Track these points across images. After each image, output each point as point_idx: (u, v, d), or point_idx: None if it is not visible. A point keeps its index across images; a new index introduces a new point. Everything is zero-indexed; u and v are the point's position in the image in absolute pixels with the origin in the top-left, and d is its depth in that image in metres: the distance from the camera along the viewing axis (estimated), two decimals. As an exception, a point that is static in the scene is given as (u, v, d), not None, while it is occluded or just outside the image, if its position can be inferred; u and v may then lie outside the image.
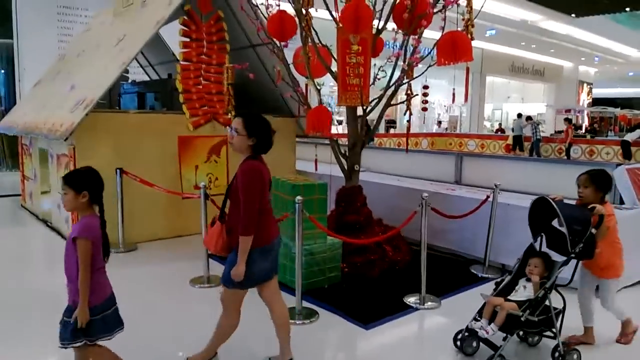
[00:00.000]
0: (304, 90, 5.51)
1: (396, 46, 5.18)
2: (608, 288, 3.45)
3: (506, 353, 3.16)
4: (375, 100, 5.09)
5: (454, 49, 4.18)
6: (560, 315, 3.20)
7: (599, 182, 3.29)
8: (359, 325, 3.80)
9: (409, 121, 5.61)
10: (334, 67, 5.10)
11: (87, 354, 2.57)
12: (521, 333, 3.45)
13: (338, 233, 4.60)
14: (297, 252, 3.89)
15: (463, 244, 5.48)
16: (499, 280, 3.45)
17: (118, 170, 5.63)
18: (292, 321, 3.78)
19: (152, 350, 3.39)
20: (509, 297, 3.25)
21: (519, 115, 18.32)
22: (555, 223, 3.29)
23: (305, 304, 4.07)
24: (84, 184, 2.53)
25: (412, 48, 4.85)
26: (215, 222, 2.97)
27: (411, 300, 4.26)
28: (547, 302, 3.13)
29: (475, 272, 5.09)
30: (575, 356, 3.20)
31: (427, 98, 5.15)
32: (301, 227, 3.86)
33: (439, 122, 24.54)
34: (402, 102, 5.19)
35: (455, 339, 3.39)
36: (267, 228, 2.89)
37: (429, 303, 4.22)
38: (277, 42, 5.28)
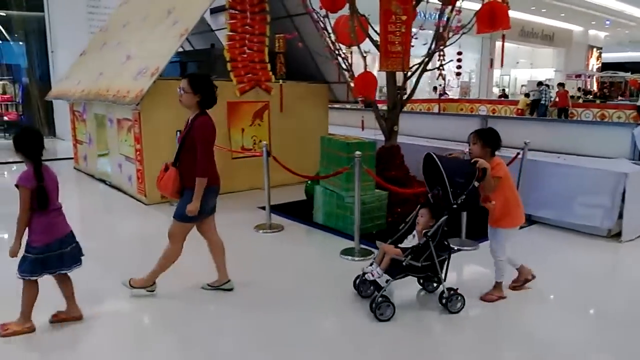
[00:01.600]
0: (342, 58, 6.00)
1: (430, 16, 5.65)
2: (498, 237, 3.55)
3: (403, 298, 3.61)
4: (416, 66, 5.59)
5: (492, 18, 4.67)
6: (445, 263, 3.43)
7: (485, 137, 3.40)
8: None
9: (441, 86, 6.13)
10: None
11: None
12: (421, 281, 3.75)
13: (380, 187, 5.21)
14: (356, 201, 4.49)
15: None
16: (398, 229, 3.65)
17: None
18: (352, 258, 4.45)
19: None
20: (399, 245, 3.49)
21: (540, 84, 18.53)
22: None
23: (361, 245, 4.71)
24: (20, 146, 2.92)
25: (449, 18, 5.32)
26: (168, 168, 3.48)
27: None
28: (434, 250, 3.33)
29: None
30: (459, 300, 3.42)
31: (460, 64, 5.67)
32: (359, 179, 4.45)
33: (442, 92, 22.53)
34: (437, 68, 5.71)
35: (354, 283, 3.68)
36: (215, 172, 3.49)
37: (467, 247, 4.84)
38: (323, 12, 5.75)
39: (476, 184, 3.22)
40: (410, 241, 3.46)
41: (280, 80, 6.50)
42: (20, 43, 13.93)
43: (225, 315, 3.49)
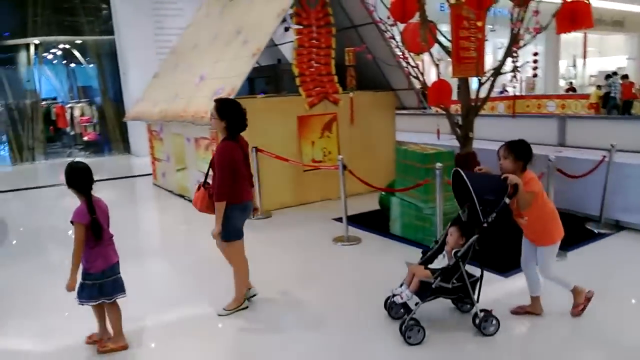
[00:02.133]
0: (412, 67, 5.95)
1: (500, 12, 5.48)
2: (543, 255, 3.36)
3: (435, 318, 3.46)
4: (491, 72, 5.45)
5: (574, 18, 4.47)
6: (478, 284, 3.29)
7: (517, 151, 3.20)
8: (496, 273, 4.33)
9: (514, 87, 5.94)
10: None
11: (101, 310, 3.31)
12: (454, 301, 3.55)
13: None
14: (438, 212, 4.44)
15: (576, 201, 5.81)
16: (427, 249, 3.55)
17: (254, 149, 6.40)
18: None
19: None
20: (429, 266, 3.38)
21: (608, 76, 17.48)
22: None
23: (444, 256, 4.64)
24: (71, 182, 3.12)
25: (522, 19, 5.15)
26: (200, 188, 3.70)
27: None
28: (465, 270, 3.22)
29: (590, 228, 5.46)
30: (493, 323, 3.25)
31: (536, 65, 5.47)
32: (442, 192, 4.40)
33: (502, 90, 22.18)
34: (512, 71, 5.54)
35: (385, 304, 3.56)
36: (242, 190, 3.59)
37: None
38: (390, 21, 5.74)
39: (507, 200, 3.08)
40: (440, 261, 3.36)
41: (351, 93, 6.54)
42: (91, 65, 14.85)
43: (297, 332, 3.56)
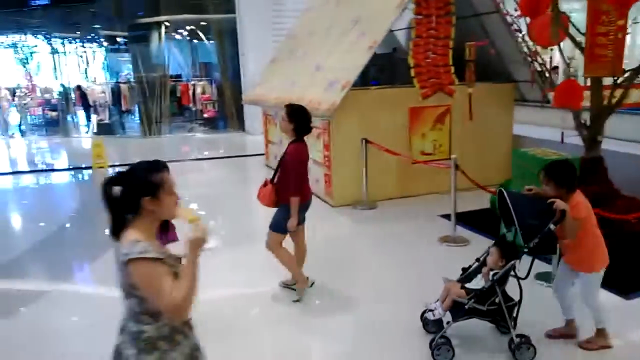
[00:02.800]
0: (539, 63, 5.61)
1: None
2: (585, 283, 3.19)
3: (470, 337, 3.37)
4: (630, 71, 4.97)
5: None
6: (516, 308, 3.16)
7: (558, 177, 3.00)
8: (616, 293, 4.03)
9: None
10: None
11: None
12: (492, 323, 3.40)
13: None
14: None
15: None
16: (467, 266, 3.46)
17: (363, 140, 6.51)
18: (547, 284, 4.18)
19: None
20: (466, 285, 3.27)
21: None
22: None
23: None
24: None
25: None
26: (267, 184, 4.01)
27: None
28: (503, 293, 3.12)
29: None
30: (529, 350, 3.11)
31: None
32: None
33: None
34: (657, 69, 4.99)
35: (421, 317, 3.51)
36: (305, 190, 3.94)
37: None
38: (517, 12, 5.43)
39: (552, 227, 2.90)
40: (478, 282, 3.27)
41: (470, 89, 6.34)
42: (211, 42, 15.63)
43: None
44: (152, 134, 14.61)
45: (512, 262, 3.08)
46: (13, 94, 17.20)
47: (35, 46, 18.00)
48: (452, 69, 6.95)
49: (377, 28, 6.41)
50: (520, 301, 3.19)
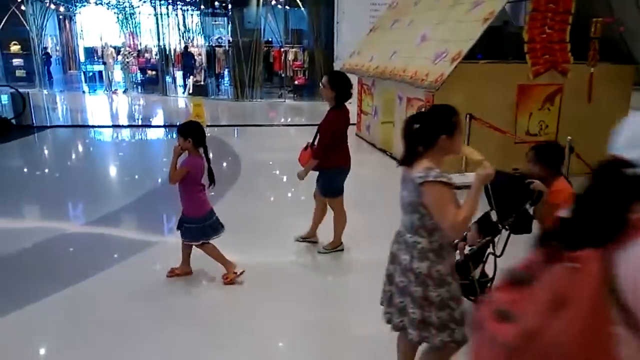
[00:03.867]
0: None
1: None
2: None
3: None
4: None
5: None
6: (488, 285, 3.16)
7: (545, 158, 2.97)
8: None
9: None
10: None
11: (203, 248, 3.81)
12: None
13: None
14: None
15: None
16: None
17: (468, 116, 6.36)
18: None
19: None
20: None
21: None
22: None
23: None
24: (188, 132, 3.59)
25: None
26: (307, 147, 4.20)
27: None
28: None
29: None
30: None
31: None
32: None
33: None
34: None
35: None
36: (346, 155, 4.16)
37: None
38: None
39: (528, 207, 2.89)
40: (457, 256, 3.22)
41: (592, 68, 5.96)
42: (305, 9, 15.71)
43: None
44: (243, 98, 15.09)
45: (487, 238, 3.07)
46: (117, 52, 18.35)
47: (138, 7, 18.94)
48: (569, 47, 6.56)
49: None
50: (493, 278, 3.17)
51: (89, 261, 4.30)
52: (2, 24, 18.58)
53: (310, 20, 15.16)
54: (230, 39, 15.55)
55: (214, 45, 16.63)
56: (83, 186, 6.82)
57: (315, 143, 4.20)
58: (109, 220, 5.37)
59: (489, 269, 3.24)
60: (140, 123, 12.33)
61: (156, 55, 17.64)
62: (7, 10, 18.49)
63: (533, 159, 3.03)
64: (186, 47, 16.78)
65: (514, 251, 3.66)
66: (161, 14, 16.92)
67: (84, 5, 20.13)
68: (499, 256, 3.11)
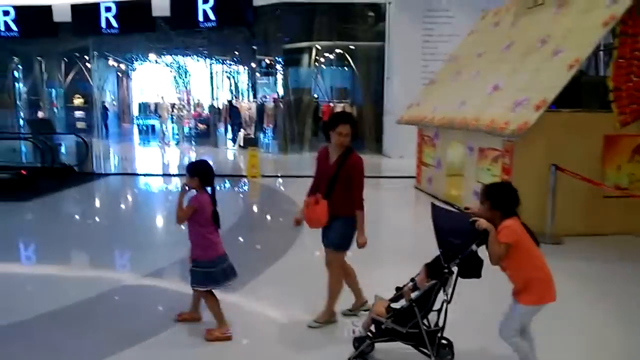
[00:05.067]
0: None
1: None
2: (512, 314, 2.87)
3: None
4: None
5: None
6: (437, 334, 2.94)
7: (495, 198, 2.81)
8: None
9: None
10: None
11: (205, 297, 3.58)
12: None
13: None
14: None
15: None
16: (402, 285, 3.11)
17: (553, 166, 5.97)
18: None
19: None
20: (391, 305, 3.02)
21: None
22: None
23: None
24: (195, 171, 3.52)
25: None
26: (318, 201, 3.62)
27: None
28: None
29: None
30: None
31: None
32: None
33: None
34: None
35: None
36: None
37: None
38: None
39: (474, 247, 2.73)
40: (401, 302, 3.03)
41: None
42: (347, 68, 15.98)
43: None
44: (291, 151, 15.15)
45: (432, 282, 2.86)
46: (172, 107, 19.05)
47: (192, 65, 19.81)
48: (658, 95, 6.16)
49: (577, 46, 5.89)
50: (443, 327, 2.96)
51: (150, 317, 3.98)
52: (70, 79, 19.77)
53: (360, 77, 15.36)
54: (277, 96, 15.88)
55: (262, 101, 17.05)
56: (142, 234, 6.72)
57: (333, 192, 3.63)
58: (167, 272, 5.16)
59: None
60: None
61: (208, 109, 18.20)
62: (75, 66, 19.72)
63: (481, 197, 2.88)
64: (230, 102, 17.26)
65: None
66: (214, 73, 17.61)
67: (142, 64, 21.17)
68: (448, 302, 2.92)
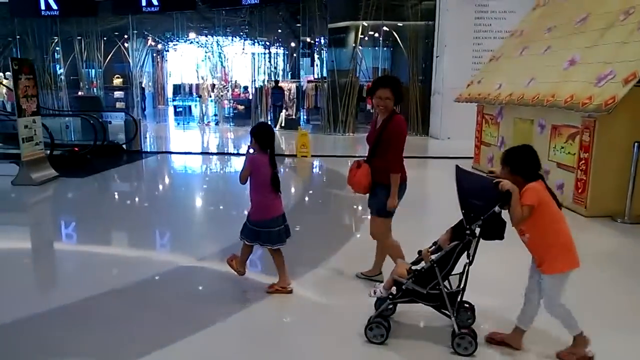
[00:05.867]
0: None
1: None
2: (546, 285, 2.81)
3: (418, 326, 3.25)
4: None
5: None
6: (457, 296, 2.95)
7: (514, 162, 2.77)
8: None
9: None
10: None
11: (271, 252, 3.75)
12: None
13: None
14: None
15: None
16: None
17: (636, 144, 5.70)
18: None
19: None
20: (412, 267, 3.05)
21: None
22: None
23: None
24: (255, 134, 3.64)
25: None
26: (360, 165, 3.66)
27: None
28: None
29: None
30: (468, 343, 2.88)
31: None
32: None
33: None
34: None
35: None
36: (404, 170, 3.63)
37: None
38: None
39: (497, 209, 2.67)
40: (422, 263, 3.05)
41: None
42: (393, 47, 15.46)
43: None
44: (336, 131, 14.98)
45: (454, 243, 2.84)
46: (212, 87, 19.02)
47: (232, 44, 19.69)
48: None
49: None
50: (464, 289, 2.94)
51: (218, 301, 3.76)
52: (108, 59, 19.93)
53: (408, 55, 15.00)
54: (318, 76, 15.63)
55: (304, 82, 16.86)
56: (197, 213, 6.70)
57: (375, 157, 3.64)
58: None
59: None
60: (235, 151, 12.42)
61: (247, 89, 18.09)
62: (114, 46, 19.85)
63: (502, 164, 2.84)
64: (277, 82, 17.10)
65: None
66: (255, 53, 17.47)
67: (180, 43, 21.13)
68: (470, 264, 2.88)
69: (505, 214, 2.76)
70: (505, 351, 2.97)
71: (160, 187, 8.89)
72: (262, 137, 3.63)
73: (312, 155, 10.77)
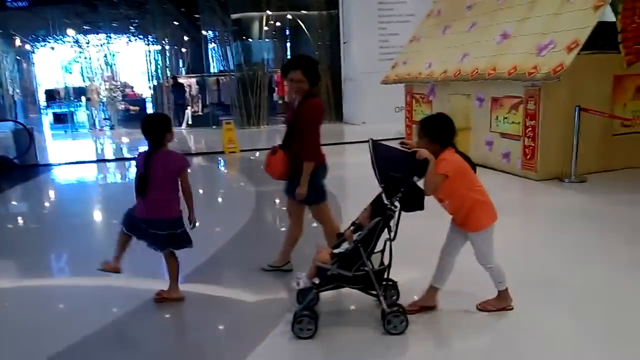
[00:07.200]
0: None
1: None
2: (475, 243, 2.91)
3: (349, 312, 3.15)
4: None
5: None
6: (384, 274, 2.87)
7: (432, 131, 2.76)
8: None
9: None
10: None
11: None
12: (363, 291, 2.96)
13: None
14: None
15: None
16: (342, 232, 3.06)
17: (577, 108, 6.13)
18: None
19: None
20: (334, 250, 2.90)
21: None
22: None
23: None
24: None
25: None
26: (276, 151, 3.43)
27: None
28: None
29: None
30: (400, 323, 2.79)
31: None
32: None
33: None
34: None
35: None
36: (322, 152, 3.45)
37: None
38: None
39: (416, 179, 2.66)
40: (344, 246, 2.88)
41: None
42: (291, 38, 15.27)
43: None
44: (250, 125, 14.43)
45: (376, 220, 2.73)
46: (101, 90, 17.18)
47: (120, 42, 18.05)
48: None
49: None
50: (389, 265, 2.87)
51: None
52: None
53: (314, 43, 14.89)
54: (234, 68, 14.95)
55: (208, 75, 15.97)
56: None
57: (290, 143, 3.44)
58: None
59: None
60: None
61: (142, 89, 16.71)
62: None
63: (419, 131, 2.82)
64: (175, 79, 15.98)
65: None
66: (148, 49, 16.15)
67: (54, 42, 18.79)
68: (393, 239, 2.84)
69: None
70: (428, 320, 2.98)
71: (77, 204, 7.74)
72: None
73: (242, 151, 10.19)
